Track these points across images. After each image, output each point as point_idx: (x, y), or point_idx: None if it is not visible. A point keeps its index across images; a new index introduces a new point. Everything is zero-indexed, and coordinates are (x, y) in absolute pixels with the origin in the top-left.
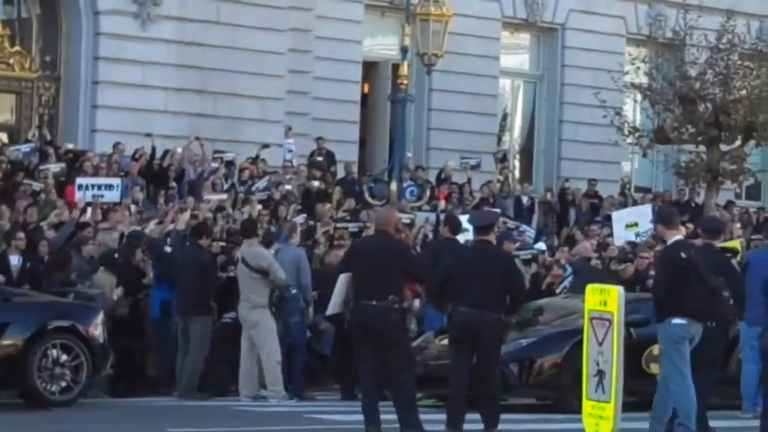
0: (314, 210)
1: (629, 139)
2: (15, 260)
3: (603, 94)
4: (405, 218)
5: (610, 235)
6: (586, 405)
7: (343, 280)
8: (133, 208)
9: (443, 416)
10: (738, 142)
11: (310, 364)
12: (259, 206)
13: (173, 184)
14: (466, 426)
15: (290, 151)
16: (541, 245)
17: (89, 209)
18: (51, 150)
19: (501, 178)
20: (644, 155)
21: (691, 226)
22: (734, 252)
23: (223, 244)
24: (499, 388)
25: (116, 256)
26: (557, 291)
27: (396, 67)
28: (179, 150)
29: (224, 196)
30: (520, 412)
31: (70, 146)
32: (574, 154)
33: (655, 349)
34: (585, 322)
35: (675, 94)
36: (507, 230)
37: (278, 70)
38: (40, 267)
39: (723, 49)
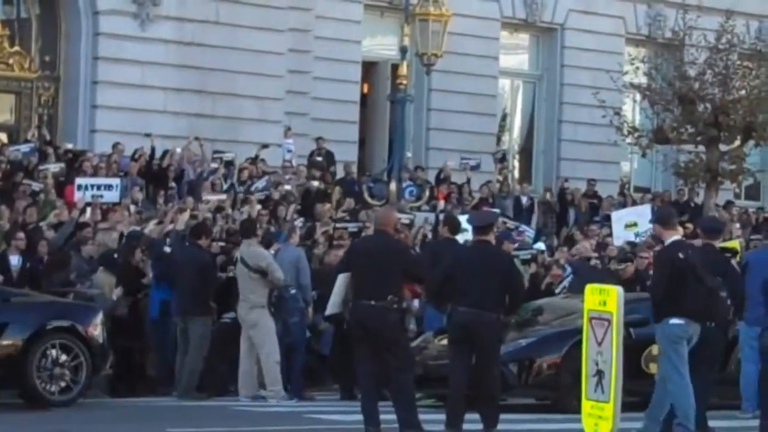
0: (314, 210)
1: (628, 139)
2: (15, 260)
3: (602, 94)
4: (404, 218)
5: (610, 235)
6: (586, 405)
7: (342, 280)
8: (132, 208)
9: (442, 416)
10: (737, 142)
11: (310, 364)
12: (259, 206)
13: (172, 184)
14: (465, 426)
15: (289, 151)
16: (541, 245)
17: (89, 209)
18: (50, 150)
19: (500, 178)
20: (643, 155)
21: (690, 226)
22: (734, 252)
23: (222, 244)
24: (499, 388)
25: (116, 256)
26: (556, 291)
27: (395, 67)
28: (178, 150)
29: (223, 197)
30: (520, 412)
31: (70, 146)
32: (573, 154)
33: (655, 349)
34: (584, 322)
35: (674, 94)
36: (506, 230)
37: (277, 71)
38: (40, 267)
39: (722, 49)
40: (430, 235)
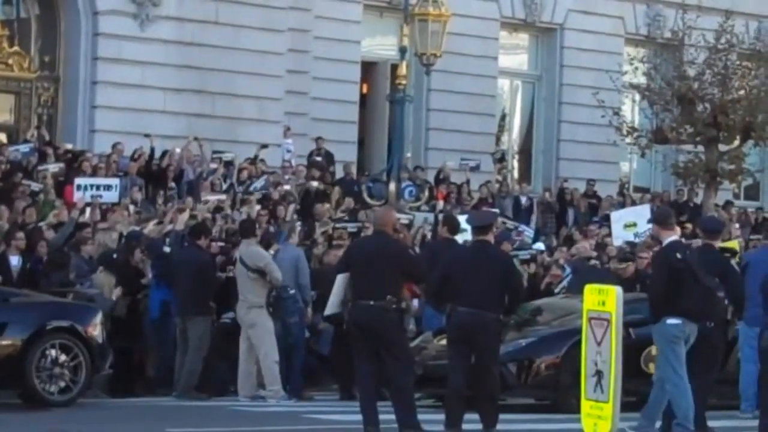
0: (313, 210)
1: (628, 139)
2: (15, 260)
3: (601, 95)
4: (404, 218)
5: (609, 235)
6: (585, 405)
7: (341, 280)
8: (131, 208)
9: (442, 416)
10: (736, 142)
11: (309, 364)
12: (258, 206)
13: (172, 184)
14: (464, 426)
15: (289, 151)
16: (540, 245)
17: (88, 209)
18: (50, 150)
19: (499, 178)
20: (643, 155)
21: (690, 226)
22: (733, 252)
23: (221, 244)
24: (498, 388)
25: (115, 256)
26: (556, 291)
27: (395, 68)
28: (178, 150)
29: (223, 197)
30: (519, 412)
31: (69, 146)
32: (572, 155)
33: (654, 349)
34: (583, 322)
35: (673, 94)
36: (506, 230)
37: (277, 71)
38: (39, 267)
39: (721, 50)
40: (429, 236)
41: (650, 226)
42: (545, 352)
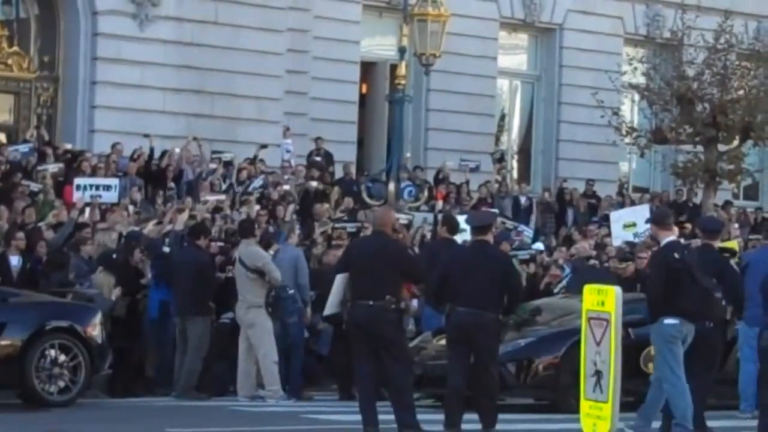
0: (312, 210)
1: (627, 140)
2: (14, 261)
3: (601, 95)
4: (403, 218)
5: (608, 235)
6: (584, 405)
7: (340, 280)
8: (131, 208)
9: (441, 416)
10: (735, 142)
11: (308, 364)
12: (257, 206)
13: (171, 184)
14: (464, 426)
15: (288, 151)
16: (539, 245)
17: (87, 209)
18: (49, 150)
19: (499, 178)
20: (642, 155)
21: (689, 226)
22: (732, 252)
23: (221, 244)
24: (497, 388)
25: (114, 256)
26: (555, 291)
27: (394, 68)
28: (177, 150)
29: (222, 197)
30: (518, 412)
31: (69, 146)
32: (571, 155)
33: (653, 349)
34: (583, 322)
35: (672, 94)
36: (505, 230)
37: (276, 71)
38: (39, 267)
39: (721, 50)
40: (429, 236)
41: (649, 225)
42: (544, 352)
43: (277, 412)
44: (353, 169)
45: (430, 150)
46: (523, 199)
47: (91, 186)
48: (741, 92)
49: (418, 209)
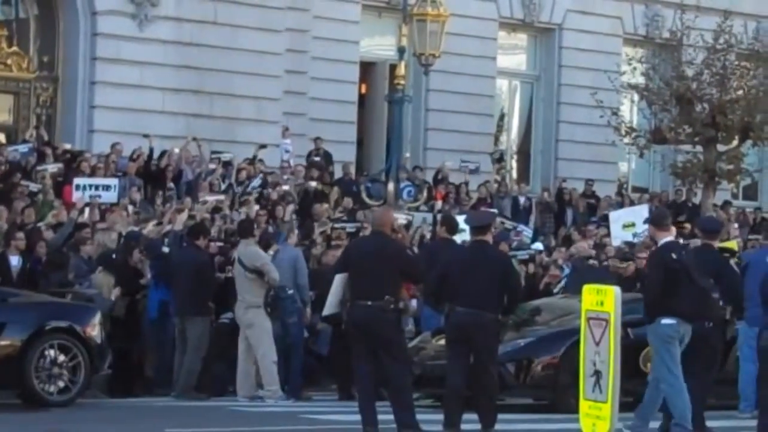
0: (312, 210)
1: (626, 140)
2: (14, 261)
3: (600, 95)
4: (402, 219)
5: (607, 235)
6: (583, 405)
7: (339, 280)
8: (130, 208)
9: (440, 416)
10: (735, 143)
11: (308, 364)
12: (257, 207)
13: (171, 184)
14: (463, 426)
15: (287, 151)
16: (538, 245)
17: (87, 210)
18: (48, 150)
19: (498, 178)
20: (641, 155)
21: (688, 226)
22: (732, 252)
23: (220, 244)
24: (496, 388)
25: (114, 256)
26: (554, 291)
27: (393, 68)
28: (176, 150)
29: (222, 197)
30: (518, 412)
31: (68, 147)
32: (571, 155)
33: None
34: (582, 322)
35: (672, 94)
36: (504, 230)
37: (275, 71)
38: (38, 267)
39: (720, 50)
40: (428, 236)
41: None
42: (544, 352)
43: (277, 412)
44: (352, 170)
45: (430, 150)
46: (522, 199)
47: (90, 186)
48: (740, 92)
49: (417, 209)
